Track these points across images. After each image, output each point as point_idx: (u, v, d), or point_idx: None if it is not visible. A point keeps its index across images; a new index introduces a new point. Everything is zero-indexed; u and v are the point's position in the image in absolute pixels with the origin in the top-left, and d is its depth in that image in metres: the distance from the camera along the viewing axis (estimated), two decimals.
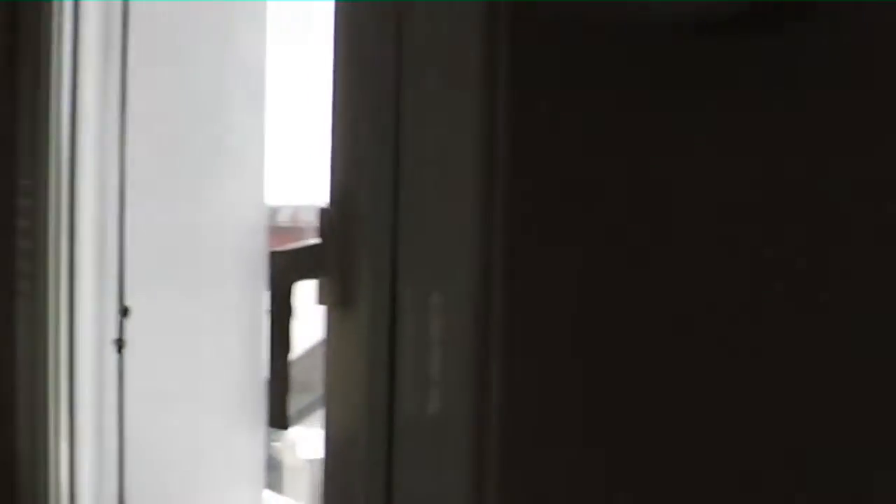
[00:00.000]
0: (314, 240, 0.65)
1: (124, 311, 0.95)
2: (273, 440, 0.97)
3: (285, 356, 0.64)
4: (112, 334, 1.00)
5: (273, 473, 1.04)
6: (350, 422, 0.63)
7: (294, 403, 0.67)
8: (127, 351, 1.00)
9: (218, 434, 0.97)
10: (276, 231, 1.12)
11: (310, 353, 0.79)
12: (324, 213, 0.65)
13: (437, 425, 0.56)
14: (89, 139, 1.06)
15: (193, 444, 0.99)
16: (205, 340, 0.98)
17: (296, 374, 0.66)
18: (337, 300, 0.64)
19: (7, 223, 1.15)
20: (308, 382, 0.70)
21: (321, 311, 0.66)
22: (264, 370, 0.88)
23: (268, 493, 1.01)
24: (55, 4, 1.03)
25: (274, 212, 1.09)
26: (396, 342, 0.60)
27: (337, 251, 0.63)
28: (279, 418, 0.64)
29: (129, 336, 1.00)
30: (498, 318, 0.54)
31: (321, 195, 0.68)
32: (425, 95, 0.59)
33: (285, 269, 0.64)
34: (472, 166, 0.55)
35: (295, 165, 1.01)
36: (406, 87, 0.60)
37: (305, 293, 0.66)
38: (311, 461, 1.10)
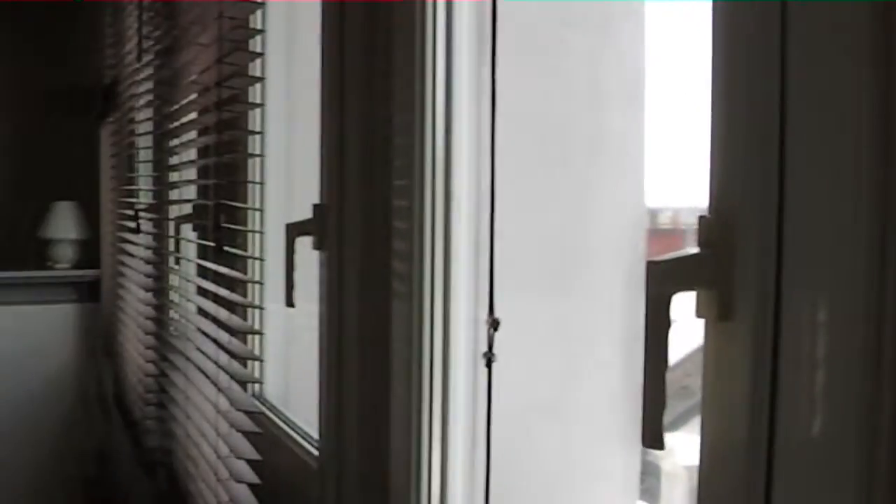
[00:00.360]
0: (693, 249, 0.75)
1: (495, 324, 1.09)
2: None
3: (662, 372, 0.74)
4: (482, 346, 1.17)
5: (650, 479, 1.14)
6: (728, 439, 0.72)
7: (673, 409, 0.76)
8: (497, 362, 1.16)
9: (591, 445, 1.10)
10: (657, 234, 1.22)
11: (689, 358, 0.89)
12: (703, 221, 0.74)
13: (821, 447, 0.64)
14: (464, 139, 1.24)
15: (565, 456, 1.12)
16: (577, 349, 1.11)
17: (676, 379, 0.76)
18: (716, 314, 0.73)
19: (384, 224, 1.36)
20: (688, 388, 0.79)
21: (701, 323, 0.76)
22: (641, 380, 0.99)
23: None
24: (428, 4, 1.22)
25: (654, 214, 1.19)
26: (779, 360, 0.68)
27: (717, 262, 0.73)
28: (654, 438, 0.74)
29: (499, 347, 1.17)
30: (893, 337, 0.60)
31: (702, 196, 0.77)
32: (812, 96, 0.67)
33: (663, 279, 0.75)
34: (865, 173, 0.62)
35: (675, 166, 1.11)
36: (791, 87, 0.68)
37: (685, 304, 0.76)
38: (690, 468, 1.18)
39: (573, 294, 1.13)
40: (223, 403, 1.97)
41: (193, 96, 2.38)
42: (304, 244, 1.61)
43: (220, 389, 2.00)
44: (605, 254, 1.08)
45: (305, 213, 1.59)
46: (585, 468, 1.10)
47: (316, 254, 1.57)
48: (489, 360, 1.09)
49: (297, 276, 1.65)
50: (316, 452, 1.67)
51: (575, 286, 1.12)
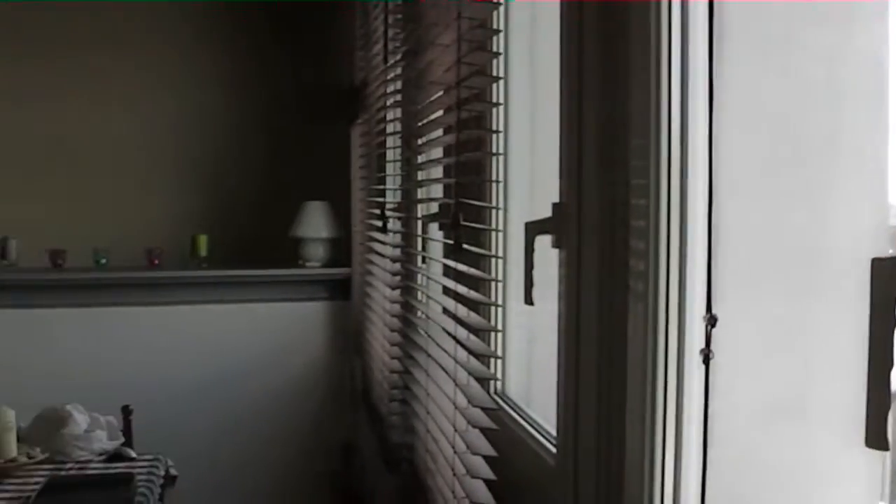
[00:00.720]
0: None
1: (712, 321, 1.13)
2: None
3: (886, 372, 0.76)
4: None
5: None
6: None
7: None
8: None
9: (830, 446, 1.10)
10: None
11: None
12: None
13: None
14: (699, 138, 1.28)
15: (803, 456, 1.14)
16: (815, 349, 1.12)
17: None
18: None
19: (621, 222, 1.40)
20: None
21: None
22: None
23: None
24: (663, 5, 1.27)
25: None
26: None
27: None
28: (878, 438, 0.77)
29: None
30: None
31: None
32: None
33: (889, 277, 0.77)
34: None
35: None
36: None
37: None
38: None
39: (810, 293, 1.14)
40: (461, 400, 2.06)
41: (436, 96, 2.49)
42: (545, 243, 1.66)
43: (458, 386, 2.09)
44: (843, 253, 1.09)
45: (548, 212, 1.65)
46: (823, 469, 1.11)
47: (556, 252, 1.62)
48: (706, 357, 1.13)
49: (541, 274, 1.71)
50: (554, 450, 1.73)
51: (812, 285, 1.14)
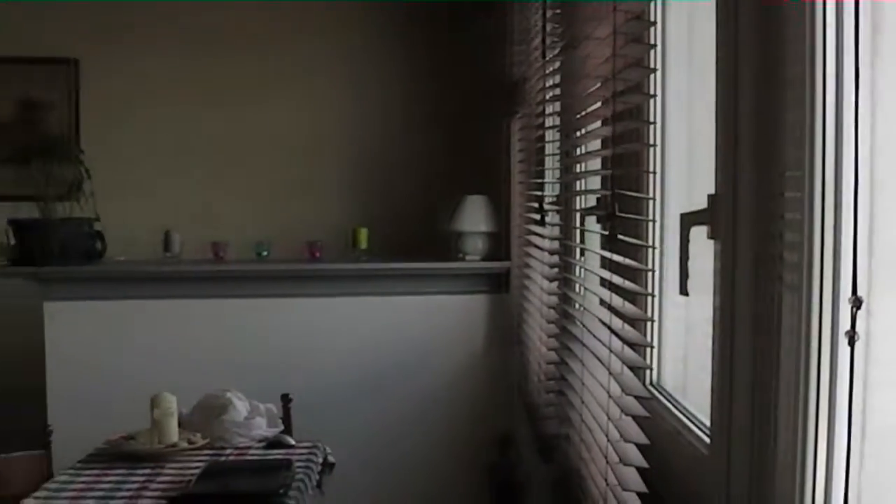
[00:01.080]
0: None
1: (857, 303, 1.13)
2: None
3: None
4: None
5: None
6: None
7: None
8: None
9: None
10: None
11: None
12: None
13: None
14: (852, 132, 1.28)
15: None
16: None
17: None
18: None
19: (777, 215, 1.41)
20: None
21: None
22: None
23: None
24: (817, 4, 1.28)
25: None
26: None
27: None
28: None
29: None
30: None
31: None
32: None
33: None
34: None
35: None
36: None
37: None
38: None
39: None
40: (615, 389, 2.09)
41: (593, 89, 2.52)
42: (701, 233, 1.67)
43: (612, 375, 2.12)
44: None
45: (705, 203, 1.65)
46: None
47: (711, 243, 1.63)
48: (851, 339, 1.13)
49: (697, 265, 1.71)
50: (707, 440, 1.74)
51: None
